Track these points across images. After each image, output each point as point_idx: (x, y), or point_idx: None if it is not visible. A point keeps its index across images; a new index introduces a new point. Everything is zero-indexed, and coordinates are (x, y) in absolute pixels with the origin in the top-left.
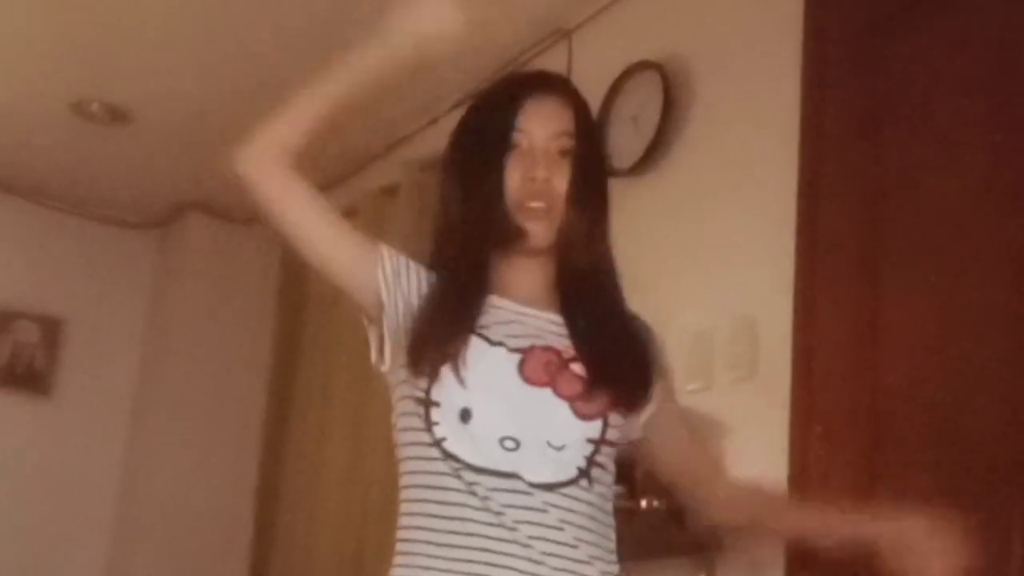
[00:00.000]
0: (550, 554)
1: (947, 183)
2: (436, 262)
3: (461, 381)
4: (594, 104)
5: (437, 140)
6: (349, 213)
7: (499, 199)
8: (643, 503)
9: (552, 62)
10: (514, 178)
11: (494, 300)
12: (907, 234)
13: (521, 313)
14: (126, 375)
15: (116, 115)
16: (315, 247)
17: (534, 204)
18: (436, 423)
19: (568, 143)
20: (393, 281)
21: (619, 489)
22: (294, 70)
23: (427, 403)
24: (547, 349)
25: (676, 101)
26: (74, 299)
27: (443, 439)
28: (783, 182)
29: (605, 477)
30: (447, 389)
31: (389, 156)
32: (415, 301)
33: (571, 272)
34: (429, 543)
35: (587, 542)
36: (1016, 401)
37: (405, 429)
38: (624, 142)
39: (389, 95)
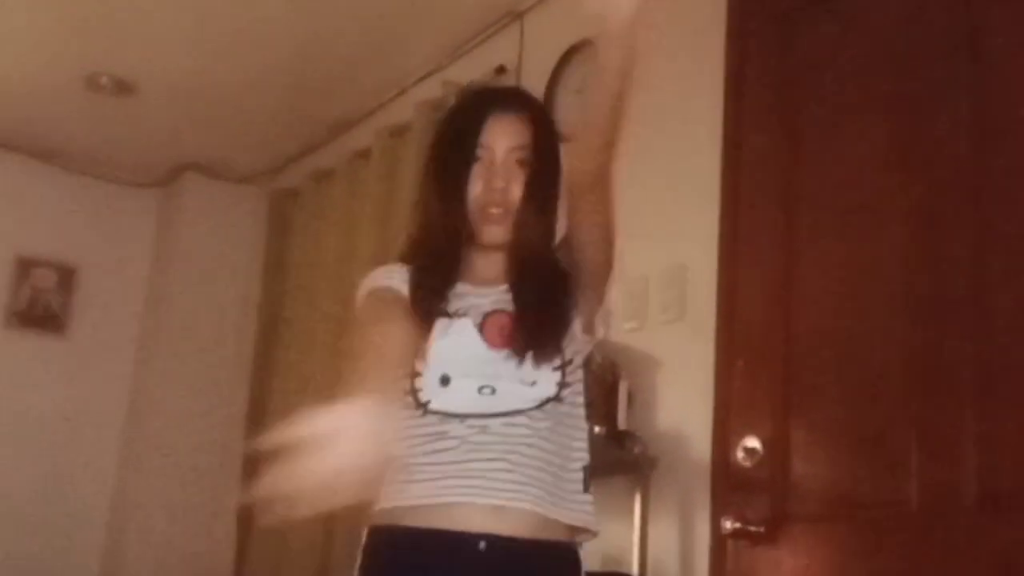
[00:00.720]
0: (504, 460)
1: (854, 150)
2: (414, 253)
3: (437, 354)
4: (543, 78)
5: (405, 109)
6: (327, 174)
7: (463, 206)
8: None
9: (506, 41)
10: (477, 187)
11: (458, 288)
12: (818, 194)
13: (480, 294)
14: (132, 316)
15: (123, 87)
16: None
17: (493, 210)
18: (420, 390)
19: (524, 155)
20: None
21: None
22: (283, 44)
23: (412, 375)
24: (499, 313)
25: None
26: (86, 249)
27: (427, 402)
28: (709, 147)
29: (575, 387)
30: (426, 362)
31: (363, 123)
32: None
33: (521, 260)
34: (408, 479)
35: (552, 453)
36: (911, 341)
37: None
38: (569, 111)
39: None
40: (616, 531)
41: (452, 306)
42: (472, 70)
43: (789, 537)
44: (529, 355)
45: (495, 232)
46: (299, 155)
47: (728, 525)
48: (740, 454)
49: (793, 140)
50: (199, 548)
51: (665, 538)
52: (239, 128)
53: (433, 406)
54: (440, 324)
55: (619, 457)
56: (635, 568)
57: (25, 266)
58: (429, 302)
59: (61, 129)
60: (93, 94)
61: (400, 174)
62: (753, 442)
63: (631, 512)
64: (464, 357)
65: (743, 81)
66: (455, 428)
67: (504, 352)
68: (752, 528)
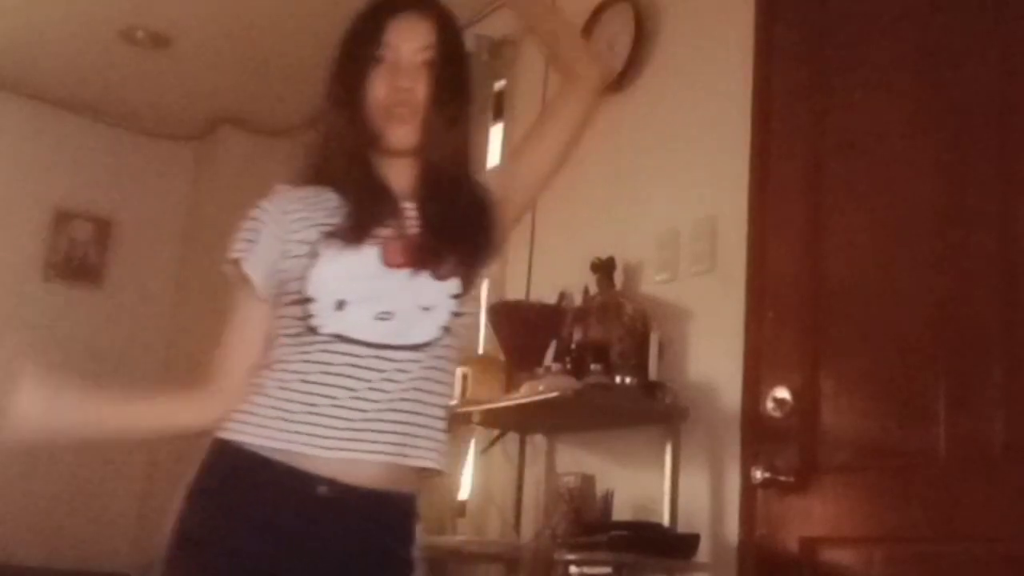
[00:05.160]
0: (394, 409)
1: (882, 102)
2: (323, 170)
3: (332, 277)
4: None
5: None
6: None
7: (366, 109)
8: (617, 379)
9: None
10: (381, 89)
11: None
12: (847, 146)
13: None
14: (168, 268)
15: (158, 41)
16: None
17: (400, 110)
18: (312, 315)
19: (431, 55)
20: (256, 258)
21: (596, 367)
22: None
23: (304, 302)
24: (400, 236)
25: (646, 29)
26: (122, 202)
27: (320, 325)
28: (739, 99)
29: (465, 320)
30: (320, 286)
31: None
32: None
33: (430, 166)
34: (273, 399)
35: (437, 393)
36: (939, 293)
37: (281, 325)
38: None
39: None
40: (647, 481)
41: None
42: (503, 24)
43: (818, 486)
44: (427, 274)
45: (402, 133)
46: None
47: (758, 475)
48: (770, 404)
49: (822, 93)
50: None
51: (696, 488)
52: (274, 82)
53: (328, 329)
54: (328, 243)
55: (650, 407)
56: (666, 517)
57: (62, 218)
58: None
59: (97, 83)
60: (129, 48)
61: None
62: (783, 392)
63: (662, 462)
64: (360, 279)
65: (773, 33)
66: (343, 354)
67: (404, 272)
68: (782, 478)
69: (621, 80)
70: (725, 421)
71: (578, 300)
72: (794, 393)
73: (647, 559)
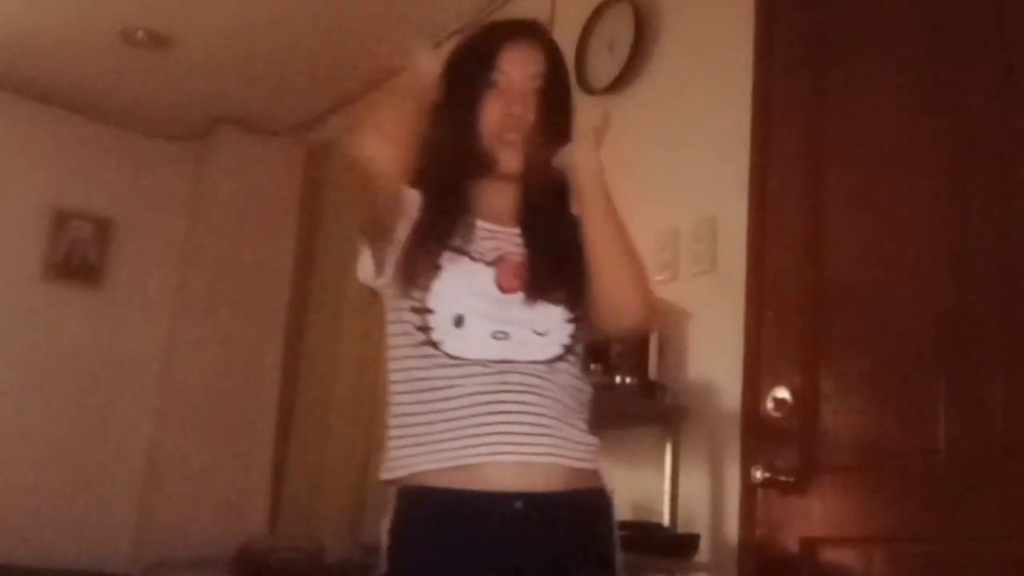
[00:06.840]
0: (528, 414)
1: (881, 103)
2: (421, 184)
3: (450, 291)
4: (574, 33)
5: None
6: (363, 124)
7: (479, 132)
8: (617, 379)
9: None
10: (494, 113)
11: (473, 222)
12: (846, 147)
13: (493, 232)
14: (168, 268)
15: (159, 41)
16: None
17: (510, 136)
18: (431, 328)
19: (540, 82)
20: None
21: (596, 367)
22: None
23: (423, 311)
24: (512, 257)
25: (646, 30)
26: (123, 202)
27: (440, 342)
28: (739, 100)
29: (580, 349)
30: (441, 299)
31: (396, 76)
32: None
33: (533, 191)
34: (420, 425)
35: (568, 407)
36: (939, 293)
37: (400, 334)
38: (600, 65)
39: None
40: (647, 481)
41: (462, 242)
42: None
43: (818, 486)
44: (542, 302)
45: (510, 158)
46: (335, 108)
47: (758, 475)
48: (770, 404)
49: (822, 93)
50: (234, 498)
51: (695, 488)
52: (275, 82)
53: (444, 347)
54: (450, 258)
55: (650, 407)
56: (666, 517)
57: (62, 218)
58: (439, 231)
59: (98, 83)
60: (129, 48)
61: None
62: (783, 393)
63: (662, 462)
64: (478, 298)
65: (773, 34)
66: (469, 375)
67: (517, 296)
68: (782, 478)
69: (621, 80)
70: (725, 421)
71: None
72: (794, 393)
73: (647, 559)
